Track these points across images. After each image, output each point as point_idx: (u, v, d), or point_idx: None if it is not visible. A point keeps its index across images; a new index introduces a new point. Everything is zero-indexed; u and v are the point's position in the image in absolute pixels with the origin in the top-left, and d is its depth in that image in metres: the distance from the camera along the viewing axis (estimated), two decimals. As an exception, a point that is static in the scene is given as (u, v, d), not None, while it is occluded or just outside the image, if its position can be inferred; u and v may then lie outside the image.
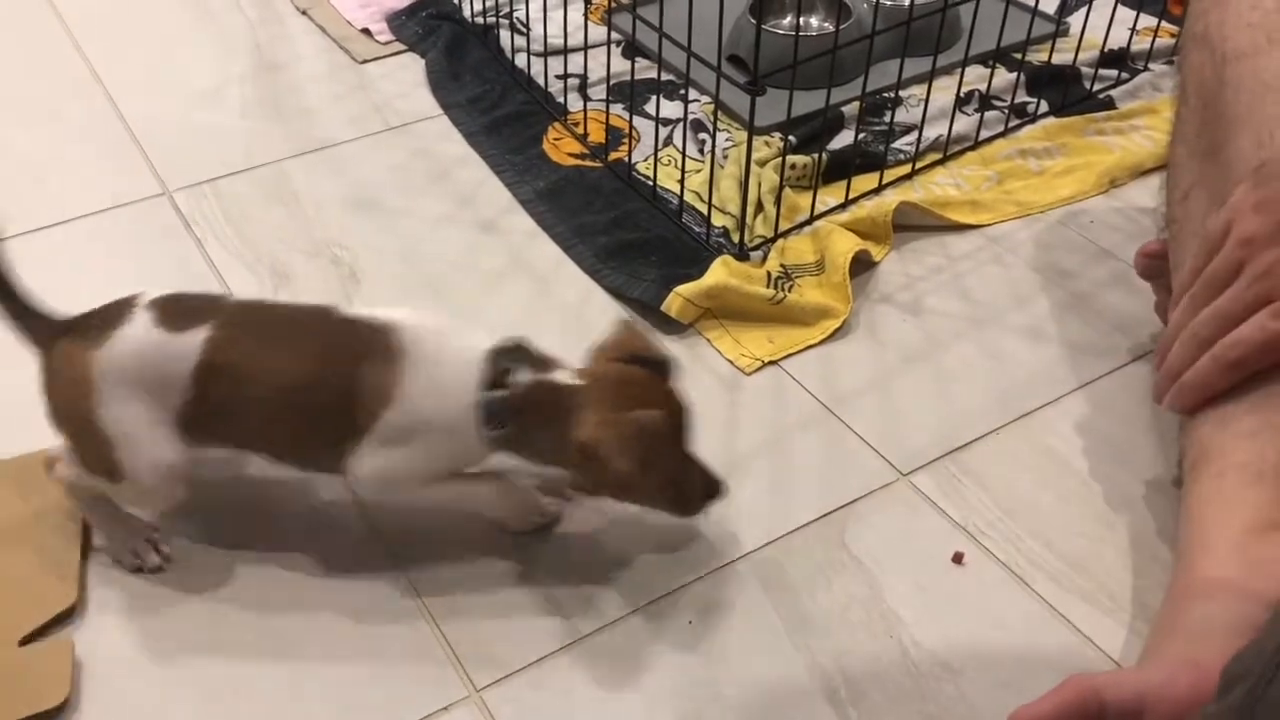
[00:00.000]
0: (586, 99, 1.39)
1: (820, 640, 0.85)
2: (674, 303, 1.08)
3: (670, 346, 1.07)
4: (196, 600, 0.87)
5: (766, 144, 1.27)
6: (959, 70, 1.28)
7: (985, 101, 1.36)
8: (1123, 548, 0.91)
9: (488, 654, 0.84)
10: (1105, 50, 1.41)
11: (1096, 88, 1.40)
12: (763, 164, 1.24)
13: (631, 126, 1.34)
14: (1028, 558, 0.90)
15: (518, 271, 1.18)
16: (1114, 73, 1.43)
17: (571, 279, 1.17)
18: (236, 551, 0.90)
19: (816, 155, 1.25)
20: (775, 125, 1.29)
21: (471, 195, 1.28)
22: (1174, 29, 1.46)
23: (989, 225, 1.23)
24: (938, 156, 1.30)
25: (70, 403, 0.83)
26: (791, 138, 1.27)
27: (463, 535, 0.91)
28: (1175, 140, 0.95)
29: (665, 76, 1.35)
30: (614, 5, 1.48)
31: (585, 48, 1.37)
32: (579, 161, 1.32)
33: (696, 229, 1.20)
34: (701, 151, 1.31)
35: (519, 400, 0.81)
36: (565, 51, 1.40)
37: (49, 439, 0.96)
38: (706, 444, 0.89)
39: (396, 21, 1.57)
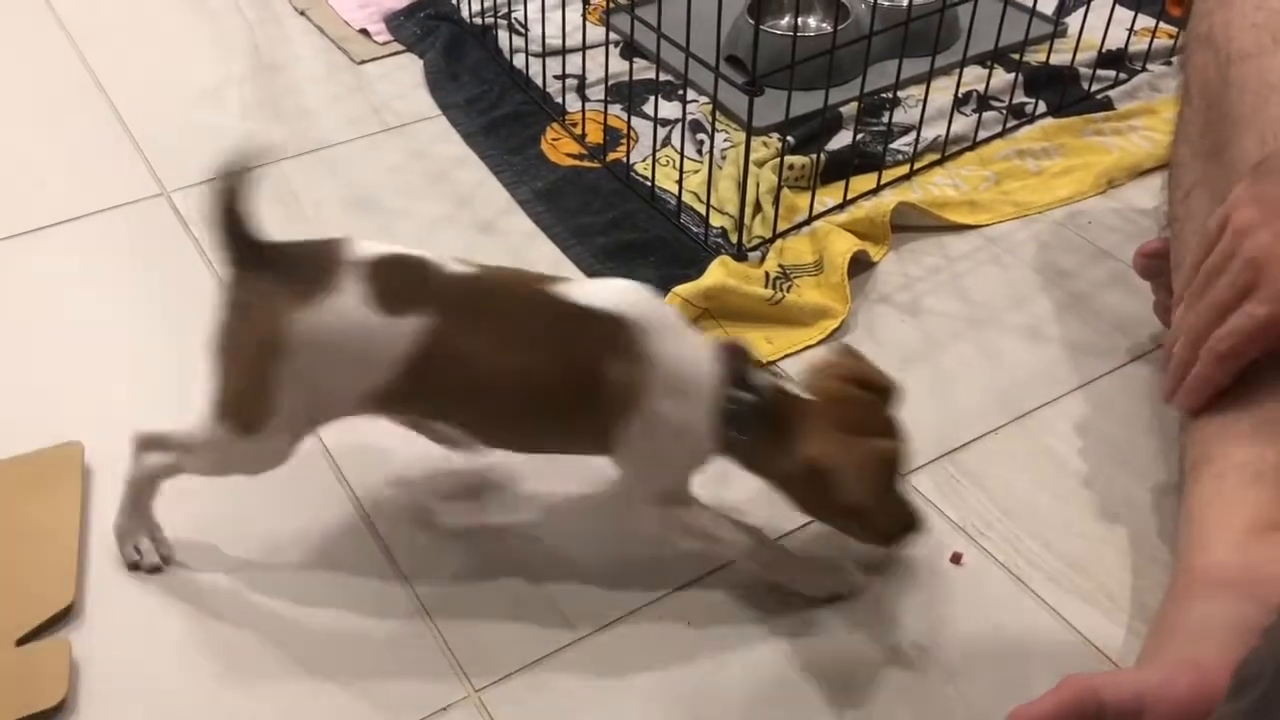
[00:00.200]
0: (585, 99, 1.39)
1: (818, 642, 0.84)
2: (672, 303, 1.08)
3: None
4: (194, 601, 0.87)
5: (765, 144, 1.27)
6: (957, 71, 1.28)
7: (983, 102, 1.36)
8: (1122, 548, 0.91)
9: (486, 655, 0.83)
10: (1103, 51, 1.41)
11: (1094, 88, 1.40)
12: (761, 164, 1.24)
13: (630, 127, 1.34)
14: (1026, 558, 0.90)
15: (516, 272, 1.17)
16: (1112, 73, 1.43)
17: (570, 279, 1.17)
18: (234, 552, 0.90)
19: (815, 156, 1.25)
20: (773, 126, 1.29)
21: (470, 196, 1.28)
22: (1172, 30, 1.46)
23: (987, 226, 1.23)
24: (936, 157, 1.30)
25: (250, 349, 0.77)
26: (790, 138, 1.27)
27: (460, 537, 0.91)
28: (1178, 140, 0.95)
29: (663, 77, 1.35)
30: (612, 5, 1.48)
31: (583, 48, 1.37)
32: (577, 162, 1.32)
33: (695, 229, 1.20)
34: (700, 152, 1.31)
35: (762, 407, 0.78)
36: (563, 52, 1.40)
37: (43, 439, 0.96)
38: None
39: (395, 22, 1.57)
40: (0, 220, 1.23)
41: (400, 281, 0.77)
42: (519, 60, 1.46)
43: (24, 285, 1.16)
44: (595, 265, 1.17)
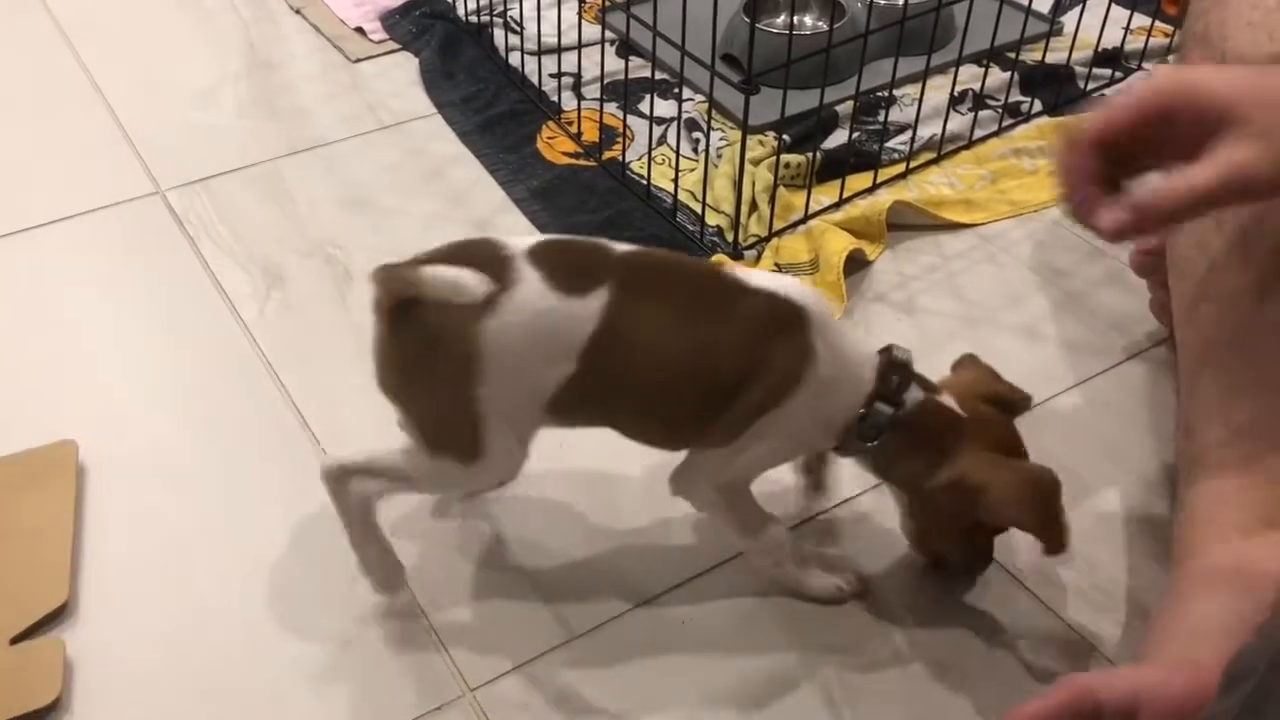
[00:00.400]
0: (580, 98, 1.39)
1: (815, 640, 0.84)
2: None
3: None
4: (188, 599, 0.87)
5: (761, 143, 1.27)
6: (953, 69, 1.28)
7: (979, 101, 1.36)
8: (1118, 546, 0.91)
9: (481, 654, 0.83)
10: (1099, 50, 1.41)
11: (1090, 87, 1.40)
12: (757, 163, 1.24)
13: (625, 125, 1.34)
14: (1023, 557, 0.90)
15: (512, 270, 1.17)
16: (1108, 72, 1.43)
17: (565, 278, 1.16)
18: (229, 551, 0.90)
19: (810, 154, 1.25)
20: (769, 124, 1.29)
21: (465, 194, 1.28)
22: (1167, 28, 1.46)
23: (983, 224, 1.23)
24: (932, 156, 1.30)
25: (442, 380, 0.73)
26: (786, 137, 1.27)
27: (456, 535, 0.91)
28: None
29: (659, 75, 1.34)
30: (608, 4, 1.48)
31: (579, 46, 1.37)
32: (573, 160, 1.32)
33: (690, 228, 1.20)
34: (695, 150, 1.31)
35: (903, 418, 0.77)
36: (559, 50, 1.40)
37: (37, 437, 0.96)
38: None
39: (390, 20, 1.57)
40: (-6, 218, 1.23)
41: (574, 262, 0.75)
42: (514, 59, 1.46)
43: (19, 283, 1.16)
44: (591, 264, 1.16)
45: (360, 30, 1.56)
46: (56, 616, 0.84)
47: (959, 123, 1.33)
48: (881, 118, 1.32)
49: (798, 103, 1.22)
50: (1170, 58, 1.44)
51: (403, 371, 0.75)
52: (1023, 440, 0.81)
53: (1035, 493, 0.77)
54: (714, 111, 1.30)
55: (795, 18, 1.44)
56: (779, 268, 1.14)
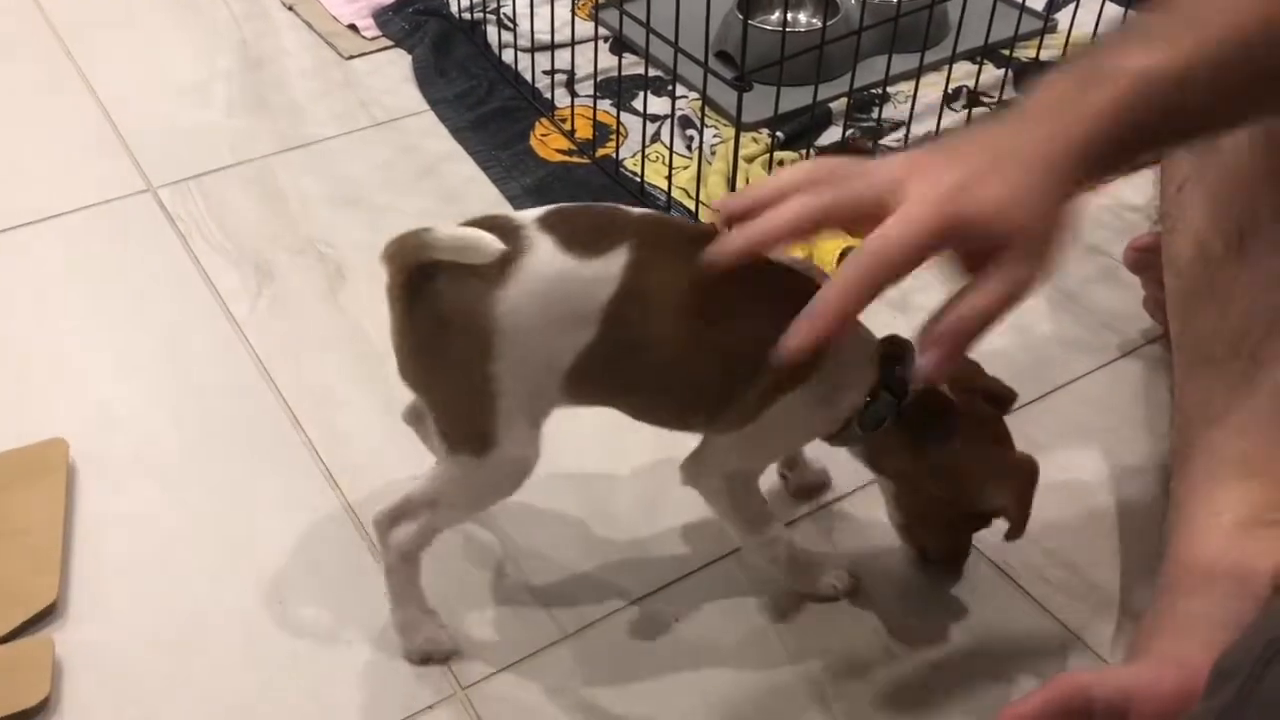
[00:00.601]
0: (574, 95, 1.39)
1: (807, 638, 0.84)
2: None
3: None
4: (179, 598, 0.87)
5: (754, 140, 1.27)
6: (947, 67, 1.28)
7: (973, 98, 1.36)
8: (1111, 544, 0.91)
9: (474, 651, 0.83)
10: (1093, 47, 1.41)
11: (1085, 84, 1.40)
12: (750, 160, 1.23)
13: (619, 122, 1.34)
14: (1015, 554, 0.90)
15: (504, 268, 1.17)
16: (1102, 69, 1.42)
17: (558, 275, 1.16)
18: (221, 551, 0.90)
19: (804, 151, 1.25)
20: (763, 121, 1.28)
21: (458, 192, 1.28)
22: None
23: (977, 222, 1.23)
24: (926, 153, 1.30)
25: (458, 355, 0.71)
26: (779, 134, 1.27)
27: (448, 534, 0.91)
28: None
29: (653, 72, 1.34)
30: (601, 1, 1.47)
31: (572, 43, 1.37)
32: (566, 158, 1.32)
33: (684, 225, 1.20)
34: (689, 148, 1.30)
35: (905, 408, 0.76)
36: (552, 47, 1.40)
37: (25, 437, 0.96)
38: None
39: (383, 17, 1.57)
40: (-15, 216, 1.23)
41: (590, 224, 0.72)
42: (508, 55, 1.45)
43: (8, 281, 1.15)
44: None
45: (353, 27, 1.56)
46: (46, 615, 0.84)
47: (953, 120, 1.33)
48: (875, 115, 1.32)
49: (791, 100, 1.22)
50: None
51: (419, 356, 0.73)
52: (1010, 434, 0.81)
53: (1020, 480, 0.77)
54: (707, 108, 1.30)
55: (789, 14, 1.44)
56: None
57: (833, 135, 1.30)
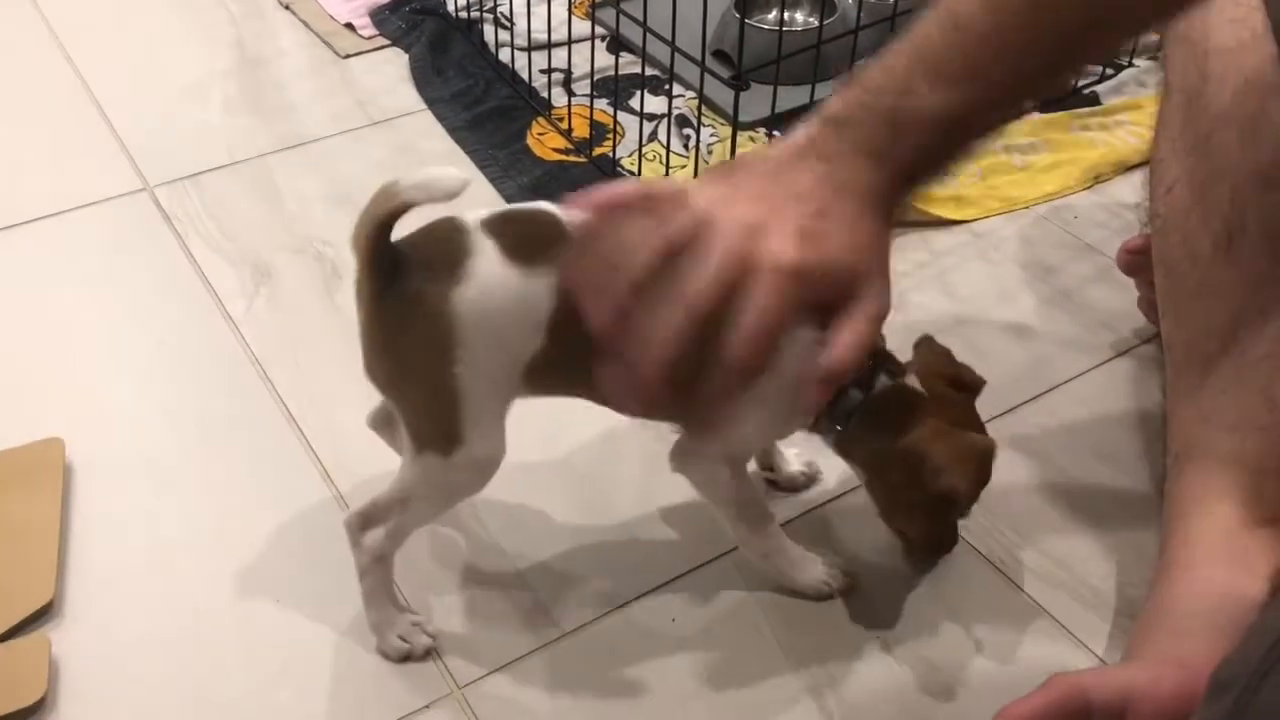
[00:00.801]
0: (571, 94, 1.39)
1: (805, 638, 0.84)
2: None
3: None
4: (175, 598, 0.87)
5: (751, 139, 1.27)
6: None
7: (970, 97, 1.36)
8: (1107, 543, 0.91)
9: (470, 651, 0.83)
10: (1090, 46, 1.41)
11: (1081, 84, 1.40)
12: (747, 159, 1.23)
13: (616, 122, 1.34)
14: (1012, 554, 0.90)
15: (501, 267, 1.17)
16: (1099, 68, 1.42)
17: (555, 275, 1.16)
18: (217, 550, 0.90)
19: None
20: (760, 120, 1.28)
21: (455, 191, 1.27)
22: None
23: (973, 220, 1.23)
24: (923, 152, 1.30)
25: (423, 353, 0.72)
26: (776, 133, 1.27)
27: (444, 533, 0.91)
28: (1159, 135, 0.96)
29: (649, 71, 1.34)
30: (598, 0, 1.47)
31: (569, 42, 1.37)
32: (563, 157, 1.32)
33: (681, 225, 1.20)
34: (686, 147, 1.30)
35: (872, 403, 0.78)
36: (549, 46, 1.40)
37: (21, 436, 0.95)
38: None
39: (380, 16, 1.56)
40: (-19, 215, 1.22)
41: (528, 234, 0.74)
42: (505, 55, 1.45)
43: (5, 280, 1.15)
44: (581, 260, 1.16)
45: (350, 26, 1.55)
46: (42, 615, 0.84)
47: (950, 119, 1.32)
48: (872, 114, 1.32)
49: (788, 99, 1.22)
50: (1160, 54, 1.44)
51: (385, 354, 0.75)
52: (979, 419, 0.81)
53: (971, 463, 0.78)
54: (704, 108, 1.30)
55: (786, 13, 1.44)
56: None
57: (829, 134, 1.30)
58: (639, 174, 1.26)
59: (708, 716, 0.80)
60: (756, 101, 1.25)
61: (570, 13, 1.45)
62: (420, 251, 0.73)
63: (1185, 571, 0.74)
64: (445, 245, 0.73)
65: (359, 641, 0.83)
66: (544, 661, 0.83)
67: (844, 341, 0.68)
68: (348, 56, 1.50)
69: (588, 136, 1.33)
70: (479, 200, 1.26)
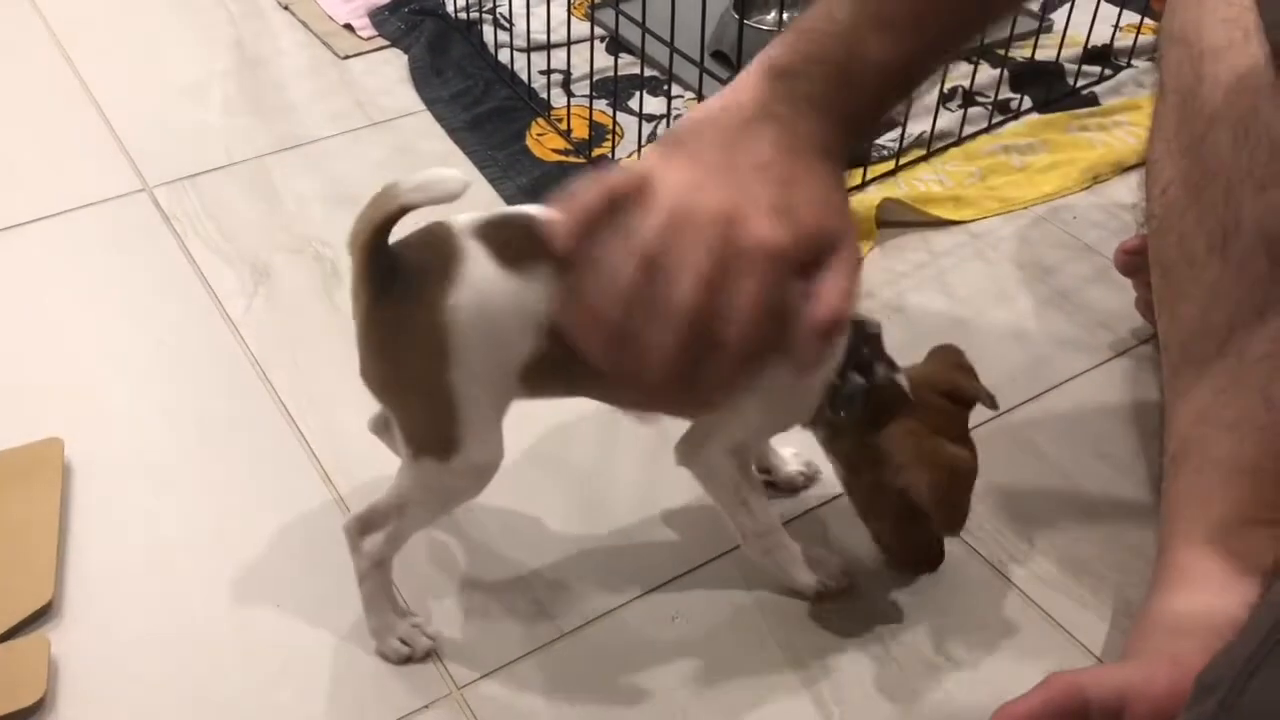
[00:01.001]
0: (570, 95, 1.39)
1: (804, 637, 0.84)
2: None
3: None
4: (175, 598, 0.87)
5: (750, 140, 1.26)
6: (942, 66, 1.28)
7: (969, 98, 1.36)
8: (1104, 543, 0.91)
9: (469, 651, 0.83)
10: (1089, 47, 1.41)
11: (1080, 84, 1.40)
12: (746, 160, 1.23)
13: (615, 123, 1.34)
14: (1010, 554, 0.90)
15: (500, 268, 1.17)
16: (1097, 69, 1.43)
17: (554, 275, 1.16)
18: (216, 551, 0.90)
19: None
20: (759, 121, 1.28)
21: (454, 191, 1.27)
22: (1157, 25, 1.46)
23: (972, 221, 1.23)
24: (921, 153, 1.30)
25: (419, 360, 0.72)
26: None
27: (442, 534, 0.91)
28: (1154, 136, 0.96)
29: (649, 72, 1.34)
30: (597, 0, 1.48)
31: (568, 43, 1.37)
32: (563, 158, 1.32)
33: (680, 225, 1.20)
34: (685, 147, 1.30)
35: (870, 393, 0.77)
36: (548, 47, 1.40)
37: (21, 436, 0.95)
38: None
39: (379, 17, 1.57)
40: (-20, 215, 1.23)
41: (517, 237, 0.73)
42: (504, 55, 1.45)
43: (4, 281, 1.15)
44: (580, 261, 1.16)
45: (349, 27, 1.56)
46: (41, 615, 0.84)
47: (948, 120, 1.33)
48: (871, 115, 1.32)
49: (787, 100, 1.22)
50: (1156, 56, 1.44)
51: (381, 360, 0.74)
52: (968, 433, 0.81)
53: (939, 473, 0.77)
54: (703, 108, 1.30)
55: (785, 14, 1.44)
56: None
57: (828, 135, 1.30)
58: (638, 174, 1.25)
59: (707, 716, 0.80)
60: (755, 102, 1.25)
61: (569, 14, 1.45)
62: (415, 255, 0.73)
63: (1181, 571, 0.74)
64: (439, 249, 0.73)
65: (358, 642, 0.83)
66: (543, 662, 0.83)
67: (832, 290, 0.67)
68: (347, 57, 1.51)
69: (587, 137, 1.33)
70: (478, 201, 1.26)
